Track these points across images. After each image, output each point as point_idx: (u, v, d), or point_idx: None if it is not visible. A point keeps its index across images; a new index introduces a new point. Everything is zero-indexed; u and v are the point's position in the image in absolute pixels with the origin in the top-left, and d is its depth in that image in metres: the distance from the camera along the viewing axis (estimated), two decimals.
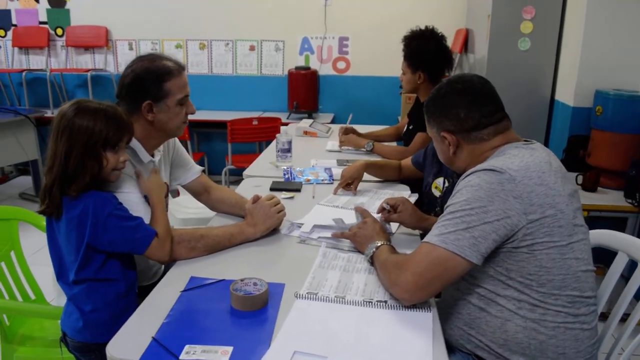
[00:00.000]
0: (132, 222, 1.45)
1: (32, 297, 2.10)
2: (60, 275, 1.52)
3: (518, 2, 3.55)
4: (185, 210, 3.11)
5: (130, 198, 1.53)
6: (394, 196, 2.15)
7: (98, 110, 1.44)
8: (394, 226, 1.86)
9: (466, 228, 1.26)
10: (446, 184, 2.04)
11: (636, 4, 3.10)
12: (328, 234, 1.74)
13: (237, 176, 2.56)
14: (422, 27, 2.77)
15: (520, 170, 1.29)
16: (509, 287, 1.32)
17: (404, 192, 2.24)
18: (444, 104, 1.49)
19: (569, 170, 3.05)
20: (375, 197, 2.20)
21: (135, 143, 1.64)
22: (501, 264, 1.31)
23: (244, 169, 2.65)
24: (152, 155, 1.74)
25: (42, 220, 1.67)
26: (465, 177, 1.37)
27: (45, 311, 1.94)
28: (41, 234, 1.56)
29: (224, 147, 4.68)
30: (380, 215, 1.81)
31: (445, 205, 1.36)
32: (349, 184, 2.23)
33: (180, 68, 1.69)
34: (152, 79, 1.62)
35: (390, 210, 1.81)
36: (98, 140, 1.42)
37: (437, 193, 2.10)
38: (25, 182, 5.34)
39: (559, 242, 1.28)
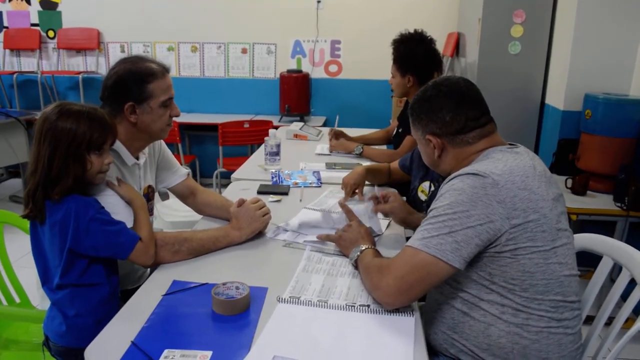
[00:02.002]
0: (114, 226, 1.44)
1: (17, 300, 2.09)
2: (45, 280, 1.50)
3: (508, 5, 3.57)
4: (174, 213, 3.10)
5: (114, 201, 1.52)
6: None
7: (81, 113, 1.43)
8: (382, 226, 1.86)
9: (449, 232, 1.26)
10: (432, 188, 2.04)
11: (625, 8, 3.12)
12: (313, 237, 1.74)
13: (228, 179, 2.55)
14: (411, 31, 2.77)
15: (504, 174, 1.28)
16: (492, 291, 1.31)
17: None
18: (429, 106, 1.47)
19: (558, 174, 3.11)
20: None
21: (119, 145, 1.63)
22: (484, 268, 1.31)
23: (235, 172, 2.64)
24: (137, 158, 1.73)
25: (28, 223, 1.66)
26: (449, 180, 1.36)
27: (29, 315, 1.92)
28: (27, 237, 1.55)
29: (215, 150, 4.68)
30: (369, 205, 1.83)
31: (429, 209, 1.36)
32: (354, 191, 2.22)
33: (164, 70, 1.68)
34: (134, 80, 1.61)
35: (381, 200, 1.83)
36: (82, 142, 1.41)
37: (423, 197, 2.10)
38: (15, 184, 5.31)
39: (542, 247, 1.28)
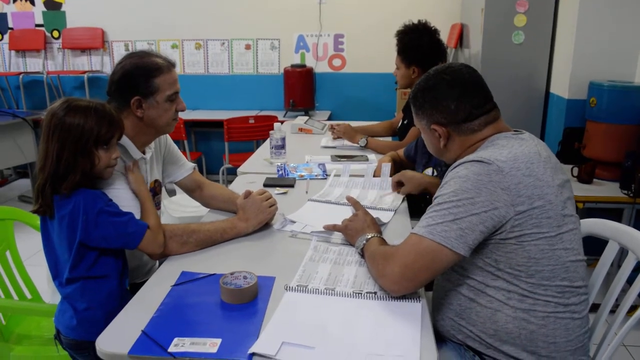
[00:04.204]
0: (123, 217, 1.46)
1: (29, 296, 2.11)
2: (56, 274, 1.52)
3: None
4: (181, 209, 3.12)
5: (121, 194, 1.53)
6: (387, 182, 2.18)
7: (89, 108, 1.44)
8: (386, 217, 1.87)
9: (453, 220, 1.26)
10: (435, 174, 2.06)
11: None
12: (320, 227, 1.75)
13: (234, 175, 2.56)
14: (415, 22, 2.78)
15: (509, 161, 1.29)
16: (498, 278, 1.32)
17: None
18: (433, 96, 1.46)
19: (564, 163, 3.11)
20: (368, 187, 2.20)
21: (125, 140, 1.64)
22: (490, 255, 1.31)
23: None
24: (143, 152, 1.75)
25: (37, 220, 1.68)
26: (454, 168, 1.36)
27: (41, 309, 1.94)
28: (38, 235, 1.57)
29: (221, 147, 4.69)
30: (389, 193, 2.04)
31: (434, 196, 1.36)
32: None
33: (170, 65, 1.70)
34: (140, 74, 1.63)
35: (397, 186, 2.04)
36: (89, 138, 1.42)
37: None
38: (24, 184, 5.35)
39: (547, 233, 1.28)
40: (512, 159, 1.30)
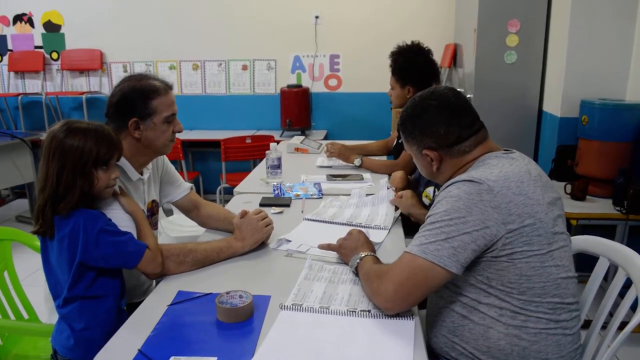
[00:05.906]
0: (123, 237, 1.48)
1: (26, 316, 2.11)
2: (57, 295, 1.53)
3: (503, 15, 3.62)
4: (179, 229, 3.13)
5: (119, 215, 1.55)
6: (383, 202, 2.20)
7: (88, 130, 1.47)
8: (380, 237, 1.89)
9: (446, 239, 1.28)
10: (436, 192, 2.09)
11: (619, 14, 3.16)
12: (315, 247, 1.77)
13: (231, 195, 2.58)
14: (409, 43, 2.82)
15: (499, 180, 1.31)
16: (490, 295, 1.34)
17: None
18: (422, 122, 1.48)
19: (558, 180, 3.14)
20: (361, 203, 2.23)
21: (123, 161, 1.67)
22: (482, 272, 1.33)
23: None
24: (141, 173, 1.77)
25: (35, 241, 1.69)
26: (446, 187, 1.39)
27: (38, 329, 1.94)
28: (36, 255, 1.59)
29: (218, 166, 4.72)
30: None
31: (427, 215, 1.39)
32: None
33: (167, 87, 1.73)
34: (138, 96, 1.67)
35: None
36: (89, 159, 1.44)
37: (427, 201, 2.15)
38: (22, 204, 5.35)
39: (538, 250, 1.30)
40: (503, 178, 1.32)
